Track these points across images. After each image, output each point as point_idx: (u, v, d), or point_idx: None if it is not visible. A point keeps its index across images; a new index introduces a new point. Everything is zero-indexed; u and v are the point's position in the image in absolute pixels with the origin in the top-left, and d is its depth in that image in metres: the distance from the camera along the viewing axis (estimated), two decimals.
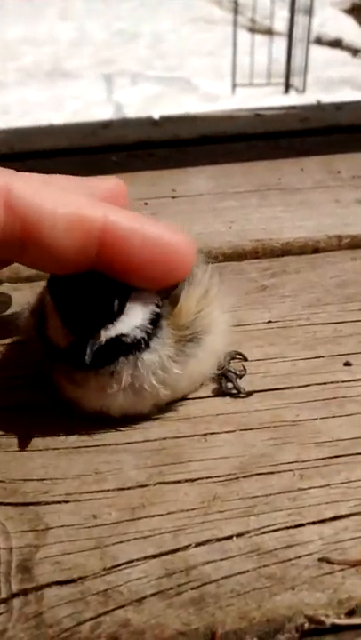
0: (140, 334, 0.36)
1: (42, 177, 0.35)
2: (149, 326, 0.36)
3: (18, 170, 0.37)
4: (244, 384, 0.41)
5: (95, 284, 0.34)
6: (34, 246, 0.33)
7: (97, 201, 0.34)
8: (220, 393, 0.41)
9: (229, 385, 0.41)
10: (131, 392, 0.37)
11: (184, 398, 0.40)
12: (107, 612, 0.28)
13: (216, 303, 0.39)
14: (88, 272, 0.35)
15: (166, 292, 0.37)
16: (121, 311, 0.35)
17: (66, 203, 0.32)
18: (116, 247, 0.33)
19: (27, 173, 0.34)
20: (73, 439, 0.37)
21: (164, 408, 0.39)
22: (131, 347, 0.36)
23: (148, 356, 0.36)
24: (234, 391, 0.40)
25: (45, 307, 0.37)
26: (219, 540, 0.31)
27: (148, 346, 0.36)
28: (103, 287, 0.35)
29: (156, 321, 0.37)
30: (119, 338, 0.35)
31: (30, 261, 0.35)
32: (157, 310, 0.37)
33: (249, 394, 0.40)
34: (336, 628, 0.28)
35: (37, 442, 0.37)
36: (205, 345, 0.38)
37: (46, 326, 0.37)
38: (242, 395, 0.40)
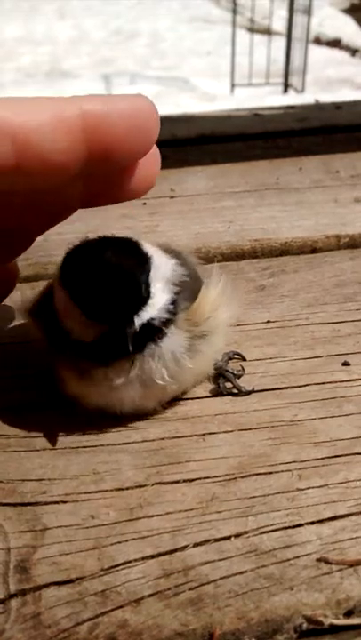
0: (166, 315, 0.36)
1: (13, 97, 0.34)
2: (171, 306, 0.36)
3: None
4: (242, 384, 0.41)
5: (111, 270, 0.34)
6: (28, 162, 0.32)
7: (69, 96, 0.34)
8: (218, 393, 0.41)
9: (228, 385, 0.41)
10: (139, 385, 0.37)
11: (183, 398, 0.40)
12: (105, 613, 0.28)
13: (225, 306, 0.40)
14: (98, 258, 0.34)
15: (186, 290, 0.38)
16: (148, 294, 0.35)
17: (43, 109, 0.32)
18: (100, 129, 0.33)
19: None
20: (71, 439, 0.37)
21: (163, 408, 0.39)
22: (158, 330, 0.36)
23: (165, 344, 0.36)
24: (234, 390, 0.40)
25: (56, 302, 0.37)
26: (217, 540, 0.31)
27: (167, 327, 0.36)
28: (123, 272, 0.34)
29: (175, 301, 0.37)
30: (149, 322, 0.35)
31: (28, 181, 0.34)
32: (177, 289, 0.37)
33: (249, 392, 0.40)
34: (334, 629, 0.28)
35: (35, 442, 0.37)
36: (211, 343, 0.39)
37: (60, 321, 0.36)
38: (243, 393, 0.40)
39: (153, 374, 0.36)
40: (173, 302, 0.37)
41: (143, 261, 0.36)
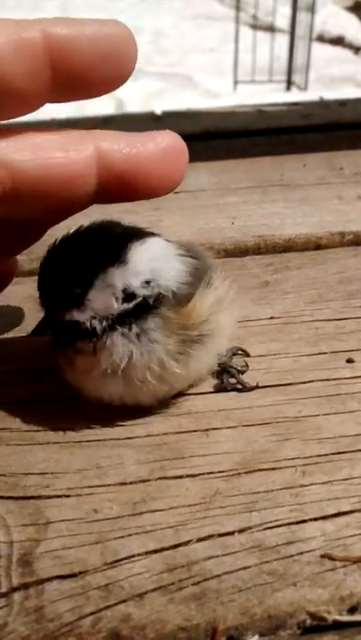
0: (96, 324, 0.36)
1: None
2: (111, 319, 0.36)
3: None
4: (246, 379, 0.41)
5: (48, 269, 0.38)
6: None
7: (34, 19, 0.32)
8: (222, 388, 0.40)
9: (232, 380, 0.41)
10: (122, 382, 0.37)
11: (186, 393, 0.40)
12: (107, 607, 0.28)
13: (228, 310, 0.39)
14: (53, 253, 0.38)
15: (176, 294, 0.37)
16: (80, 301, 0.37)
17: (2, 28, 0.31)
18: (65, 54, 0.32)
19: None
20: (74, 433, 0.37)
21: (165, 403, 0.39)
22: (86, 334, 0.37)
23: (128, 347, 0.36)
24: (238, 386, 0.40)
25: None
26: (220, 535, 0.31)
27: (113, 330, 0.36)
28: (72, 272, 0.37)
29: (135, 313, 0.36)
30: (76, 323, 0.37)
31: None
32: (123, 307, 0.36)
33: (253, 388, 0.40)
34: (338, 625, 0.28)
35: (38, 436, 0.37)
36: (209, 347, 0.38)
37: None
38: (247, 389, 0.40)
39: (132, 374, 0.36)
40: (122, 316, 0.36)
41: (87, 267, 0.36)
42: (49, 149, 0.33)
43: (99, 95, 0.34)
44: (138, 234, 0.39)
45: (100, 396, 0.38)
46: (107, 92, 0.34)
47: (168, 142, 0.36)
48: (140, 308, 0.36)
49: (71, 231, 0.38)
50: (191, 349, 0.37)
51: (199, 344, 0.38)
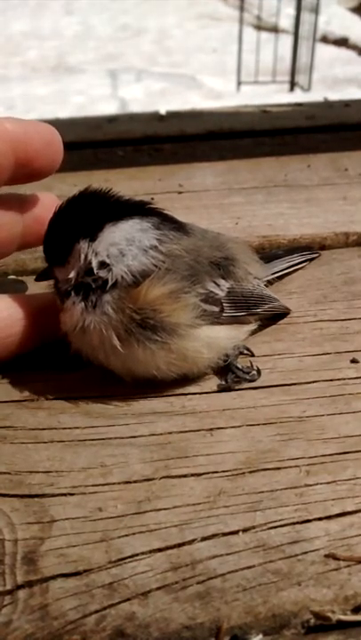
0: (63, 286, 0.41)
1: None
2: (73, 285, 0.41)
3: None
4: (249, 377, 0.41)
5: (59, 230, 0.41)
6: None
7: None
8: (226, 388, 0.40)
9: (236, 379, 0.41)
10: (81, 340, 0.40)
11: (190, 393, 0.40)
12: (112, 605, 0.28)
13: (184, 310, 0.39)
14: (64, 217, 0.41)
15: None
16: (62, 261, 0.41)
17: None
18: (22, 145, 0.41)
19: None
20: (78, 432, 0.37)
21: (171, 402, 0.39)
22: (61, 293, 0.41)
23: (83, 313, 0.39)
24: (245, 382, 0.41)
25: None
26: (225, 534, 0.31)
27: (76, 295, 0.40)
28: (61, 235, 0.41)
29: (94, 287, 0.40)
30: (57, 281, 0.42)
31: None
32: (83, 279, 0.40)
33: (258, 374, 0.41)
34: (342, 625, 0.28)
35: (43, 434, 0.37)
36: (163, 338, 0.39)
37: None
38: (254, 375, 0.41)
39: (87, 337, 0.40)
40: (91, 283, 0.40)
41: (70, 233, 0.41)
42: None
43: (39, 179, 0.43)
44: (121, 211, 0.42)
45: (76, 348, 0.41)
46: (48, 172, 0.44)
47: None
48: (97, 284, 0.39)
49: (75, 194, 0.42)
50: (136, 330, 0.38)
51: (144, 329, 0.38)
